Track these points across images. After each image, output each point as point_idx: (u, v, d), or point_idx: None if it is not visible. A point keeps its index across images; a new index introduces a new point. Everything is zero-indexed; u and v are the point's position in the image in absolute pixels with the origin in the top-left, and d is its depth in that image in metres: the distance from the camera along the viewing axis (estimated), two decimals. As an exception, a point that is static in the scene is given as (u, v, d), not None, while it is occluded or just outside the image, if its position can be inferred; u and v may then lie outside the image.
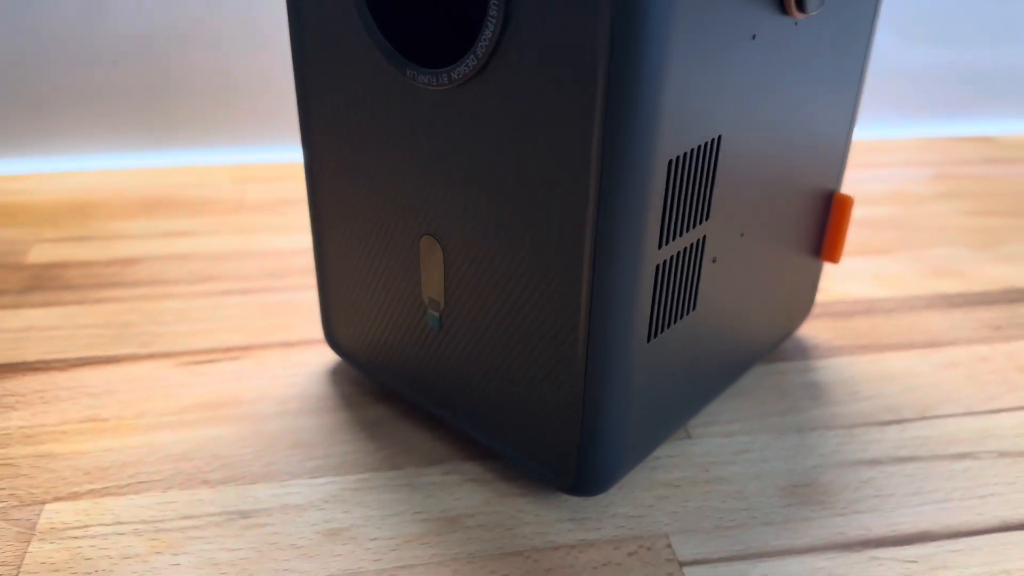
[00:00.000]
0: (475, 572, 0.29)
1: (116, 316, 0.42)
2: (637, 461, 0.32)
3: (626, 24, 0.23)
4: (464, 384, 0.33)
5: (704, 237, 0.29)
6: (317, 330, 0.42)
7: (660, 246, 0.27)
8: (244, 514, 0.31)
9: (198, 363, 0.39)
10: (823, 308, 0.45)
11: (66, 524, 0.31)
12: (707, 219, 0.29)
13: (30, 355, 0.39)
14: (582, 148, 0.25)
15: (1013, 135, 0.70)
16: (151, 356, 0.39)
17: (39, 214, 0.51)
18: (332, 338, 0.38)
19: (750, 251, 0.33)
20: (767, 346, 0.39)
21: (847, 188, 0.58)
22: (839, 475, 0.34)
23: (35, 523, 0.31)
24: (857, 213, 0.55)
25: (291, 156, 0.61)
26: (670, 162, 0.26)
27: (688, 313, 0.30)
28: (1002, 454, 0.35)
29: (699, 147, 0.27)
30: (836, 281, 0.47)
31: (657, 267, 0.28)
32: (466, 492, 0.33)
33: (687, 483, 0.33)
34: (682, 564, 0.30)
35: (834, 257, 0.38)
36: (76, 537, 0.30)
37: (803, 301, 0.40)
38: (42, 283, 0.45)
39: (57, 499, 0.32)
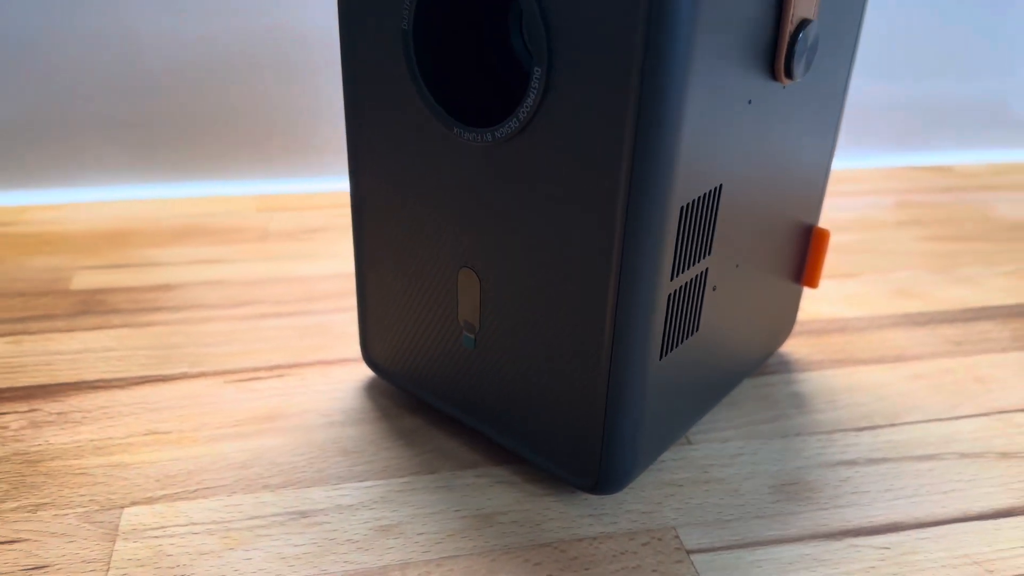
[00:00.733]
0: (511, 561, 0.34)
1: (163, 338, 0.46)
2: (647, 464, 0.37)
3: (651, 97, 0.28)
4: (495, 397, 0.37)
5: (707, 269, 0.34)
6: (350, 349, 0.46)
7: (672, 278, 0.32)
8: (303, 514, 0.35)
9: (246, 380, 0.43)
10: (802, 326, 0.50)
11: (145, 525, 0.35)
12: (709, 254, 0.34)
13: (90, 375, 0.43)
14: (610, 198, 0.30)
15: (968, 164, 0.76)
16: (202, 375, 0.43)
17: (76, 243, 0.55)
18: (369, 356, 0.42)
19: (743, 279, 0.38)
20: (756, 361, 0.43)
21: (822, 220, 0.64)
22: (821, 475, 0.39)
23: (117, 525, 0.35)
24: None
25: (311, 187, 0.65)
26: (682, 208, 0.31)
27: (692, 334, 0.35)
28: (962, 455, 0.40)
29: (704, 194, 0.32)
30: (813, 302, 0.52)
31: (669, 296, 0.32)
32: (498, 493, 0.37)
33: (689, 483, 0.38)
34: (689, 552, 0.35)
35: (813, 283, 0.43)
36: (156, 536, 0.34)
37: (786, 321, 0.45)
38: (90, 307, 0.48)
39: (134, 503, 0.36)
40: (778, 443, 0.41)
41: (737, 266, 0.36)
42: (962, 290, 0.55)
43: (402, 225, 0.37)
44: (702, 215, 0.32)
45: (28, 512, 0.35)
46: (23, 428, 0.39)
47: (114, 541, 0.34)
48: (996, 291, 0.55)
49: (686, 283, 0.33)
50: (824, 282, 0.55)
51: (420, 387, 0.40)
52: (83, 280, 0.51)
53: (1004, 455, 0.40)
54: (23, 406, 0.41)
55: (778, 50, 0.32)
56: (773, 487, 0.38)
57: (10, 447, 0.38)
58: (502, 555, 0.34)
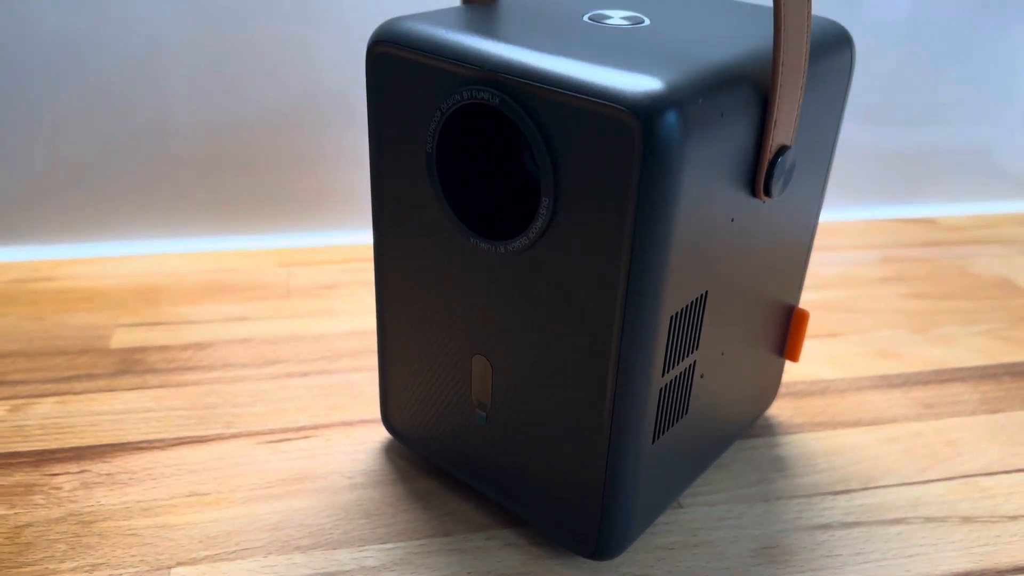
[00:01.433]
0: (518, 621, 0.38)
1: (199, 398, 0.50)
2: (641, 531, 0.41)
3: (644, 228, 0.31)
4: (504, 468, 0.41)
5: (695, 361, 0.38)
6: (369, 410, 0.50)
7: (663, 374, 0.36)
8: (332, 575, 0.39)
9: (275, 441, 0.47)
10: (786, 388, 0.54)
11: (190, 584, 0.39)
12: (697, 349, 0.38)
13: (133, 436, 0.47)
14: (607, 311, 0.33)
15: (954, 216, 0.80)
16: (235, 436, 0.47)
17: (112, 299, 0.59)
18: (388, 421, 0.46)
19: (729, 363, 0.42)
20: (744, 425, 0.47)
21: (810, 277, 0.67)
22: (798, 538, 0.43)
23: (164, 583, 0.39)
24: (815, 296, 0.64)
25: (328, 240, 0.69)
26: (671, 317, 0.34)
27: (682, 417, 0.39)
28: (928, 519, 0.44)
29: (691, 302, 0.36)
30: (799, 364, 0.56)
31: (660, 389, 0.36)
32: (506, 555, 0.41)
33: (679, 546, 0.42)
34: (677, 612, 0.39)
35: (794, 357, 0.47)
36: (200, 595, 0.38)
37: (770, 390, 0.49)
38: (129, 366, 0.53)
39: (180, 564, 0.40)
40: (761, 507, 0.45)
41: (723, 353, 0.40)
42: (938, 350, 0.59)
43: (421, 312, 0.41)
44: (689, 319, 0.36)
45: (86, 573, 0.39)
46: (76, 489, 0.43)
47: (163, 599, 0.38)
48: (970, 352, 0.58)
49: (676, 376, 0.37)
50: (810, 342, 0.59)
51: (435, 454, 0.44)
52: (121, 338, 0.55)
53: (967, 519, 0.44)
54: (75, 467, 0.45)
55: (758, 174, 0.35)
56: (755, 550, 0.42)
57: (66, 508, 0.42)
58: (510, 615, 0.38)
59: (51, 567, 0.39)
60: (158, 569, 0.39)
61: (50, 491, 0.43)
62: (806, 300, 0.64)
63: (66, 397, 0.50)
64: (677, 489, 0.43)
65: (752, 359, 0.44)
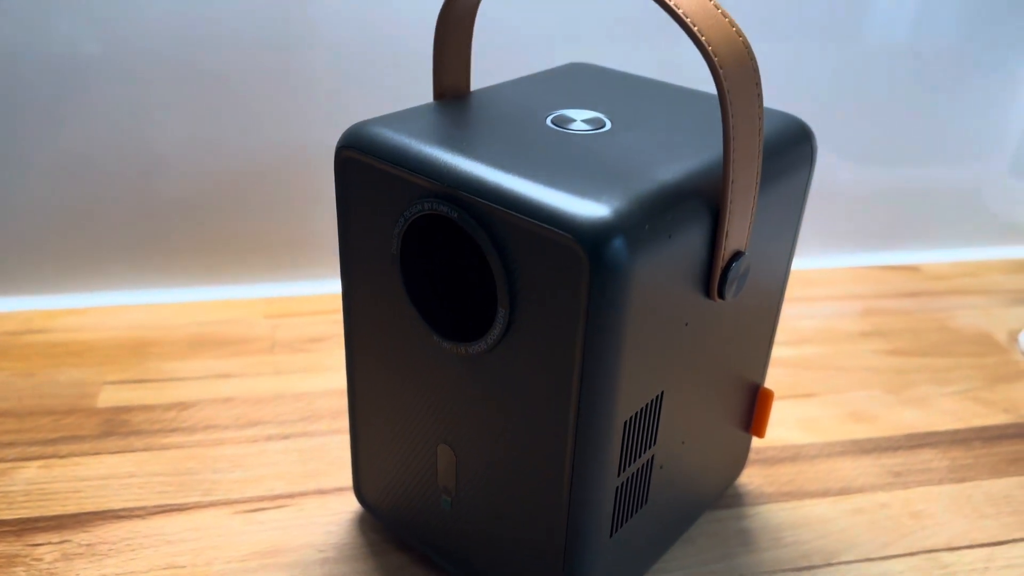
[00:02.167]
0: None
1: (180, 463, 0.51)
2: (602, 611, 0.42)
3: (595, 343, 0.32)
4: (469, 551, 0.42)
5: (653, 456, 0.39)
6: (345, 477, 0.51)
7: (619, 474, 0.37)
8: (299, 654, 0.41)
9: (251, 511, 0.48)
10: (758, 455, 0.55)
11: (162, 663, 0.40)
12: (654, 444, 0.39)
13: (114, 503, 0.48)
14: (561, 417, 0.35)
15: (938, 263, 0.80)
16: (212, 504, 0.49)
17: (101, 353, 0.61)
18: (360, 494, 0.47)
19: (691, 449, 0.42)
20: (710, 500, 0.48)
21: (780, 323, 0.68)
22: (758, 618, 0.44)
23: (138, 661, 0.40)
24: (791, 353, 0.65)
25: (314, 289, 0.70)
26: (625, 422, 0.35)
27: (641, 507, 0.40)
28: (887, 597, 0.45)
29: (647, 404, 0.37)
30: (771, 427, 0.57)
31: (617, 488, 0.37)
32: (470, 634, 0.42)
33: (640, 625, 0.43)
34: None
35: (760, 433, 0.48)
36: (171, 674, 0.40)
37: (739, 460, 0.50)
38: (114, 428, 0.54)
39: (153, 641, 0.41)
40: (723, 584, 0.46)
41: (683, 442, 0.41)
42: (911, 412, 0.59)
43: (389, 400, 0.42)
44: (645, 420, 0.37)
45: (62, 651, 0.40)
46: (56, 560, 0.45)
47: None
48: (942, 414, 0.59)
49: (633, 472, 0.38)
50: (784, 403, 0.59)
51: (404, 530, 0.45)
52: (108, 397, 0.56)
53: (925, 598, 0.45)
54: (55, 536, 0.46)
55: (712, 278, 0.36)
56: (714, 631, 0.43)
57: (45, 581, 0.44)
58: None
59: (29, 644, 0.40)
60: (132, 647, 0.41)
61: (31, 562, 0.44)
62: (783, 357, 0.64)
63: (51, 461, 0.51)
64: (641, 568, 0.44)
65: (716, 439, 0.45)
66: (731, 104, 0.32)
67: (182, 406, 0.56)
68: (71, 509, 0.48)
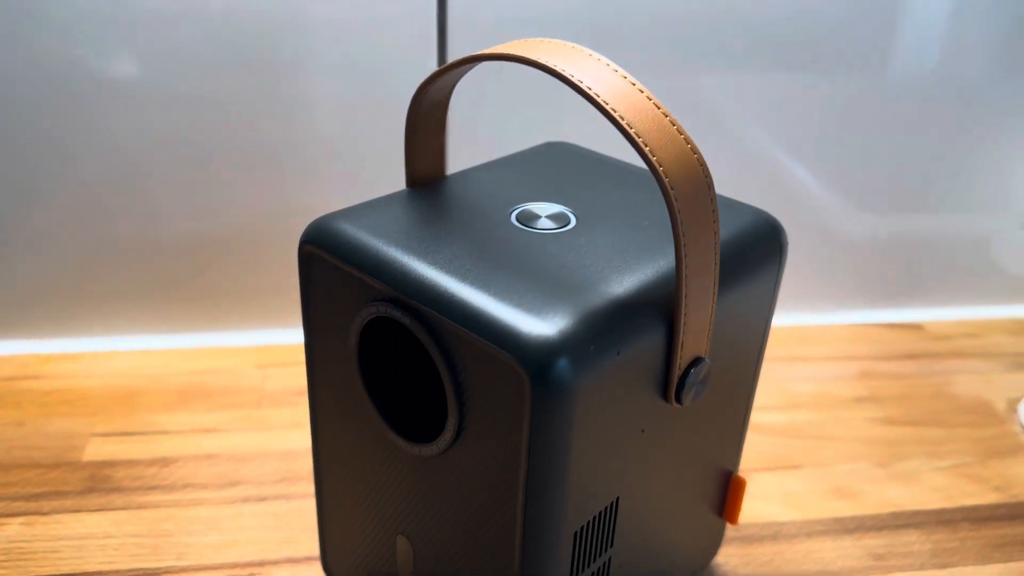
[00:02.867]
0: None
1: (157, 524, 0.52)
2: None
3: (540, 457, 0.32)
4: (428, 636, 0.42)
5: (610, 558, 0.39)
6: (316, 546, 0.51)
7: (571, 577, 0.37)
8: None
9: (223, 579, 0.49)
10: (735, 531, 0.54)
11: None
12: (611, 547, 0.38)
13: (90, 565, 0.49)
14: (509, 525, 0.34)
15: (942, 321, 0.79)
16: (184, 570, 0.49)
17: (93, 403, 0.62)
18: (327, 567, 0.47)
19: (655, 543, 0.42)
20: (679, 585, 0.48)
21: (774, 384, 0.67)
22: None
23: None
24: (783, 418, 0.64)
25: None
26: (575, 533, 0.35)
27: (598, 604, 0.40)
28: None
29: (600, 512, 0.36)
30: (752, 500, 0.56)
31: (569, 591, 0.37)
32: None
33: None
34: None
35: (733, 520, 0.47)
36: None
37: (712, 544, 0.49)
38: (97, 483, 0.55)
39: None
40: (687, 674, 0.45)
41: (646, 539, 0.41)
42: (898, 490, 0.58)
43: (351, 484, 0.42)
44: (600, 527, 0.37)
45: None
46: (27, 626, 0.45)
47: None
48: (930, 492, 0.58)
49: (591, 573, 0.38)
50: (768, 475, 0.59)
51: (370, 607, 0.45)
52: (94, 450, 0.57)
53: None
54: (29, 600, 0.47)
55: (668, 385, 0.36)
56: None
57: (14, 649, 0.44)
58: None
59: None
60: None
61: (3, 627, 0.45)
62: (773, 423, 0.64)
63: (33, 518, 0.52)
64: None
65: (686, 526, 0.45)
66: (682, 223, 0.32)
67: (164, 462, 0.57)
68: (47, 570, 0.49)
